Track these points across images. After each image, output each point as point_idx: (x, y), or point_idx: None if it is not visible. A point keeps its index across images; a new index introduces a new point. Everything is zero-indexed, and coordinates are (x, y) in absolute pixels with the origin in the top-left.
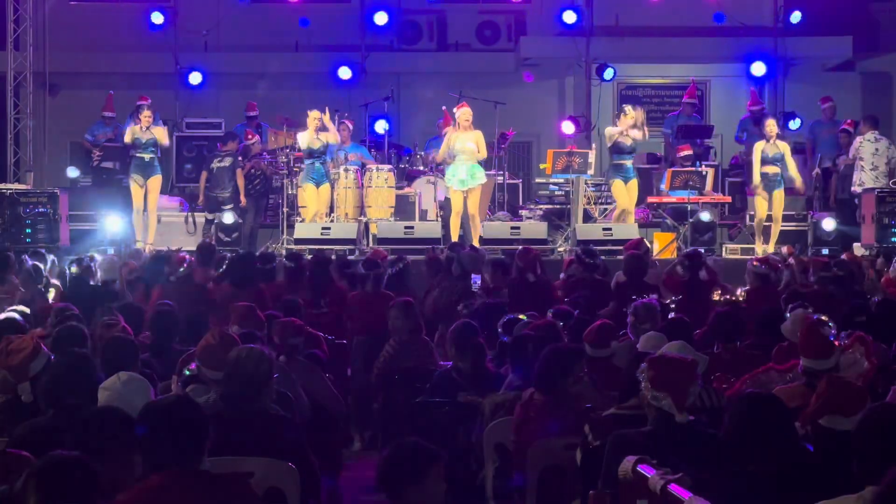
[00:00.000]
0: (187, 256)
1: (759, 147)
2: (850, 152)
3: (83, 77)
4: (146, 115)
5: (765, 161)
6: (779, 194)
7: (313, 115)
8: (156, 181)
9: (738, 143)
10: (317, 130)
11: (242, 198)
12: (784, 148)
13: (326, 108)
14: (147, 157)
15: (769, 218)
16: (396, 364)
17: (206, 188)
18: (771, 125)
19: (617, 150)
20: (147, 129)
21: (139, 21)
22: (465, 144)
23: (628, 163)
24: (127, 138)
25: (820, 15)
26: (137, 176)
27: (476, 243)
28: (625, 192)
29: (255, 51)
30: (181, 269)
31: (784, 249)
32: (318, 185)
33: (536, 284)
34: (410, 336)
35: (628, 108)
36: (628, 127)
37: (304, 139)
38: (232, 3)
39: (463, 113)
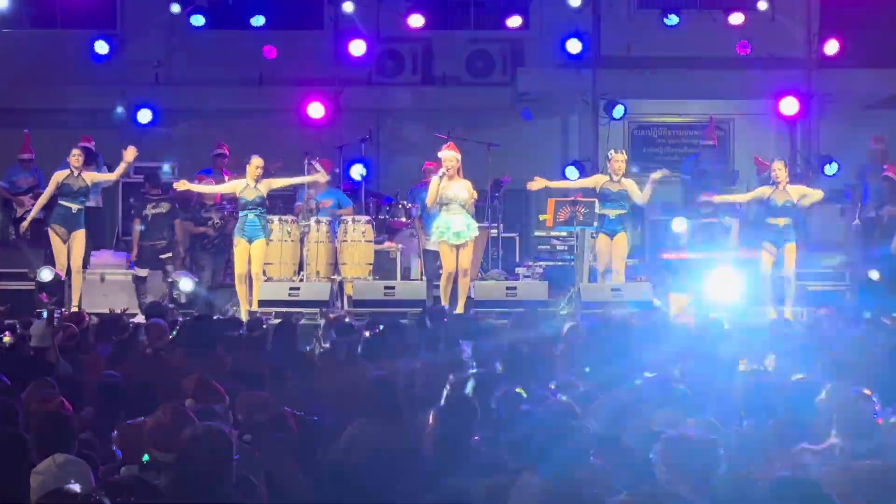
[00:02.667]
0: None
1: (761, 191)
2: None
3: (13, 114)
4: (75, 155)
5: (770, 211)
6: (790, 248)
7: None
8: (81, 235)
9: None
10: (256, 180)
11: (181, 249)
12: (796, 192)
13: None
14: (75, 207)
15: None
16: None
17: (139, 238)
18: (779, 168)
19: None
20: (79, 175)
21: (80, 51)
22: (457, 192)
23: (611, 213)
24: (50, 188)
25: (859, 45)
26: (59, 227)
27: (461, 307)
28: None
29: (213, 85)
30: (125, 335)
31: (822, 311)
32: (250, 240)
33: (537, 354)
34: (388, 418)
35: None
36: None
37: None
38: (186, 31)
39: (447, 157)
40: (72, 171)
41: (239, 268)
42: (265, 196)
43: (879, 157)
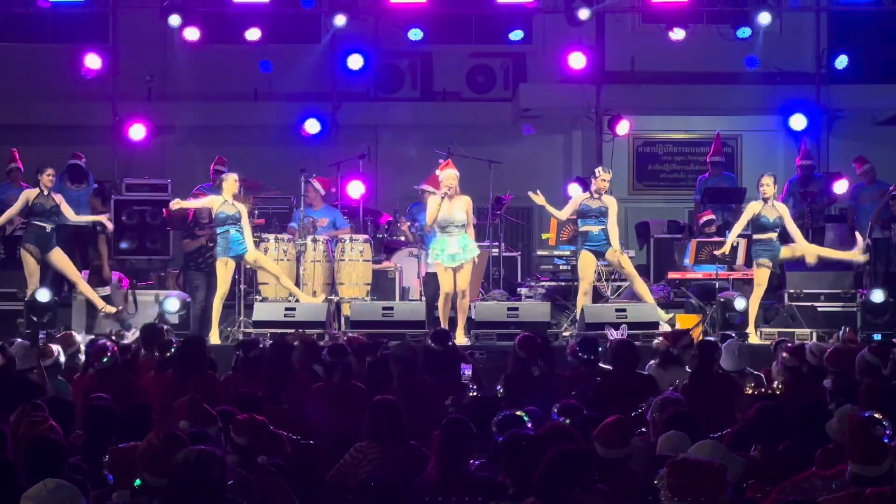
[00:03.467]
0: (110, 345)
1: (752, 209)
2: None
3: (4, 130)
4: (48, 174)
5: (763, 227)
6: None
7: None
8: (59, 253)
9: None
10: (234, 196)
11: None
12: (783, 211)
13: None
14: (49, 227)
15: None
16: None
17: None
18: (767, 183)
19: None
20: (49, 194)
21: (71, 65)
22: (454, 213)
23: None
24: (19, 203)
25: (870, 60)
26: (33, 247)
27: (461, 329)
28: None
29: (207, 100)
30: (104, 360)
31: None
32: (239, 256)
33: (540, 377)
34: (393, 443)
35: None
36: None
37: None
38: (180, 45)
39: (448, 176)
40: (42, 191)
41: (222, 287)
42: (240, 213)
43: (870, 176)
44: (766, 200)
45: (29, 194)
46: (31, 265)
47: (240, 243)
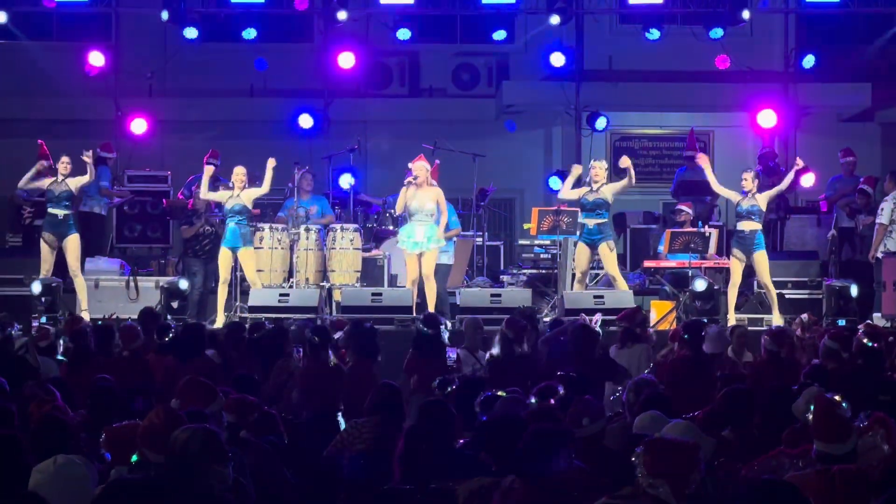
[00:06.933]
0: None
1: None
2: (881, 217)
3: (13, 125)
4: (63, 162)
5: (738, 216)
6: (760, 256)
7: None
8: (73, 240)
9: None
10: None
11: None
12: (762, 202)
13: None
14: (61, 213)
15: (754, 285)
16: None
17: None
18: (747, 178)
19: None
20: (63, 181)
21: (76, 62)
22: (423, 203)
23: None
24: (39, 180)
25: (836, 60)
26: (48, 235)
27: (431, 309)
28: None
29: (205, 96)
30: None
31: (805, 317)
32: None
33: (523, 358)
34: (390, 422)
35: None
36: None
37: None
38: (180, 43)
39: (415, 167)
40: (56, 178)
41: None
42: (246, 205)
43: (849, 169)
44: (745, 193)
45: (46, 181)
46: (45, 252)
47: (237, 237)
